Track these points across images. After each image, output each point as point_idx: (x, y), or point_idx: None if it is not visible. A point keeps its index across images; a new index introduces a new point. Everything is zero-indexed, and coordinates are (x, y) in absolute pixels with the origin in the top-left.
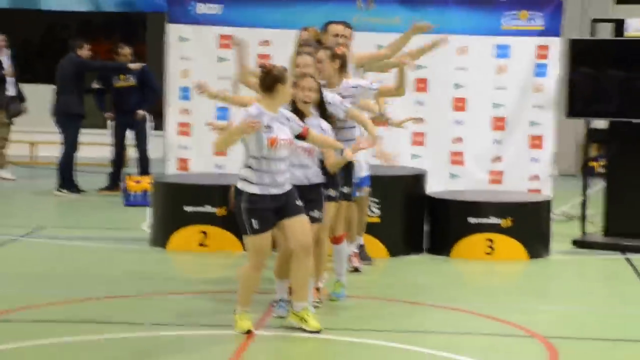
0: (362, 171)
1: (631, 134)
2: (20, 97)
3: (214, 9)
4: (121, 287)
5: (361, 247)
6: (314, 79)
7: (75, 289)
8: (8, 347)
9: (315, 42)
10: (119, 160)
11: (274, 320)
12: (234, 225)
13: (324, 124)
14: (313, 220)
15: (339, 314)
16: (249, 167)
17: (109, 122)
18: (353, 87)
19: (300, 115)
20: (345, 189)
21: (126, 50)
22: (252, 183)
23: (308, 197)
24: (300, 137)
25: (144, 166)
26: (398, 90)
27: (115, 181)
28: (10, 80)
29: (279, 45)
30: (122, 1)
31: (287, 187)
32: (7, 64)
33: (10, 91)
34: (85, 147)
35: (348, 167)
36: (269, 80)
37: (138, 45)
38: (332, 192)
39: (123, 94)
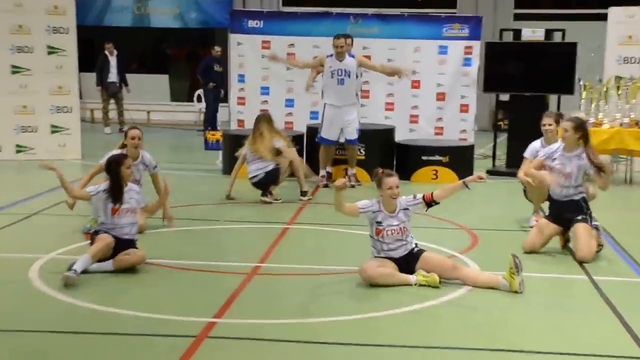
0: (354, 134)
1: (524, 104)
2: (120, 83)
3: (258, 24)
4: (205, 198)
5: (354, 173)
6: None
7: (180, 199)
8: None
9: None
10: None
11: None
12: None
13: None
14: None
15: None
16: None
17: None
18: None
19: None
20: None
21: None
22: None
23: None
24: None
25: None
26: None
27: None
28: (113, 71)
29: (302, 47)
30: (200, 20)
31: None
32: (114, 62)
33: (111, 78)
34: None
35: None
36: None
37: (208, 49)
38: None
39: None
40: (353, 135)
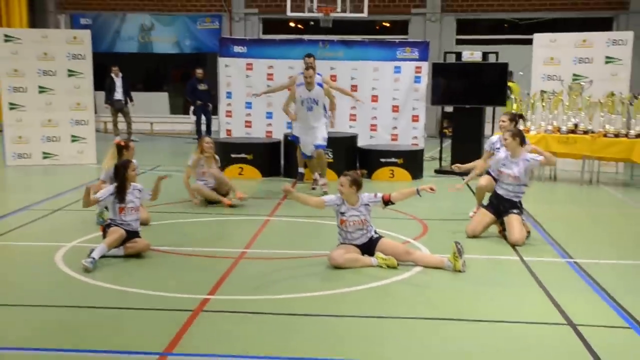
0: (323, 141)
1: (464, 114)
2: (125, 100)
3: (242, 49)
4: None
5: (325, 183)
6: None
7: (177, 196)
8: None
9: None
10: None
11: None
12: (258, 164)
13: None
14: None
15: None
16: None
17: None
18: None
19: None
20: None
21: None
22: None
23: None
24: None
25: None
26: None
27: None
28: (119, 90)
29: (279, 68)
30: (194, 46)
31: None
32: (119, 82)
33: (117, 96)
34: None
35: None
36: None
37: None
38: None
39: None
40: (319, 141)
